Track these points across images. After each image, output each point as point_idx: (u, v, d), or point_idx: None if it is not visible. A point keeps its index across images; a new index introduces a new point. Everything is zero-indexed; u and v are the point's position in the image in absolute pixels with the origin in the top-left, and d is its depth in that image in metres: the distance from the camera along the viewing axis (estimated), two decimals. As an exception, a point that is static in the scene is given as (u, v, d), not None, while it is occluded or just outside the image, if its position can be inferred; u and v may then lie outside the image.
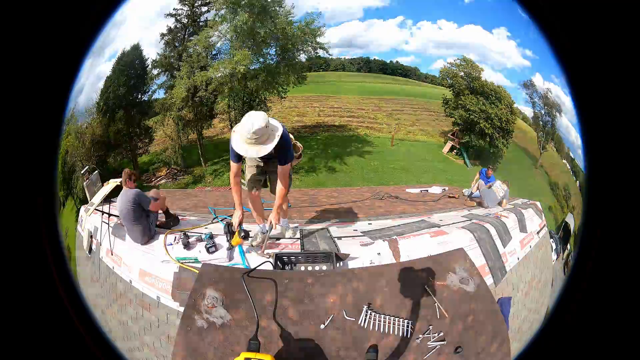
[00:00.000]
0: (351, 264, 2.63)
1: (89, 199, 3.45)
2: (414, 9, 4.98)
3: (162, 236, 2.86)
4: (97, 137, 4.28)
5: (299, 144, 2.98)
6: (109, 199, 3.28)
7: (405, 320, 1.85)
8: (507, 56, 4.35)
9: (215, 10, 4.86)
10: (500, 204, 4.01)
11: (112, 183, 3.30)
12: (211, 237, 2.78)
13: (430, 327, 1.85)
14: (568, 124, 3.83)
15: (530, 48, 3.93)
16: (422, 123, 6.02)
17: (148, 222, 2.97)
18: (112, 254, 3.09)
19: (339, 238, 2.93)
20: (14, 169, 1.31)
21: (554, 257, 3.52)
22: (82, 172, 3.59)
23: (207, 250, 2.70)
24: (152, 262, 2.82)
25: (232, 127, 5.41)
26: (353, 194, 4.46)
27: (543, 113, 4.41)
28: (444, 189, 4.72)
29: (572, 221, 3.53)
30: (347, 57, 5.78)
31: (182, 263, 2.67)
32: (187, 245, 2.76)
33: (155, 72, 4.89)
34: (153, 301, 2.72)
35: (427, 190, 4.73)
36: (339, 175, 5.10)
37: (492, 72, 4.85)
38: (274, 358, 1.44)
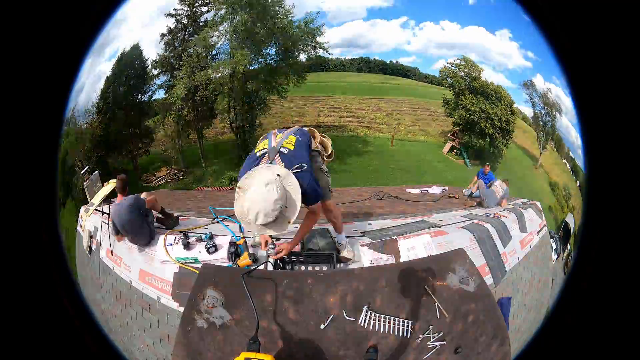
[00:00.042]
0: (351, 264, 2.64)
1: (88, 199, 3.45)
2: (417, 10, 5.01)
3: (162, 236, 2.86)
4: (97, 137, 4.29)
5: (327, 141, 2.56)
6: (108, 199, 3.28)
7: (405, 320, 1.85)
8: (509, 57, 4.37)
9: (215, 10, 4.86)
10: (500, 203, 4.01)
11: (112, 183, 3.30)
12: (211, 237, 2.78)
13: (430, 327, 1.84)
14: (568, 124, 3.83)
15: (532, 50, 3.94)
16: (422, 123, 6.02)
17: (148, 223, 2.97)
18: (112, 254, 3.09)
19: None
20: (14, 169, 1.31)
21: (554, 257, 3.53)
22: (82, 172, 3.59)
23: (207, 250, 2.70)
24: (152, 262, 2.82)
25: (232, 127, 5.46)
26: (353, 194, 4.47)
27: (543, 113, 4.42)
28: (444, 189, 4.72)
29: (572, 221, 3.53)
30: (347, 57, 5.79)
31: (182, 263, 2.67)
32: (187, 246, 2.76)
33: (155, 72, 4.90)
34: (153, 301, 2.72)
35: (427, 191, 4.73)
36: (339, 175, 5.10)
37: (494, 73, 4.87)
38: (274, 358, 1.44)
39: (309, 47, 5.18)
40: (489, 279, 2.81)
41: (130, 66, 4.60)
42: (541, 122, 4.56)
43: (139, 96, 4.94)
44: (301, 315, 1.85)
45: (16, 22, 1.27)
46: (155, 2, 4.86)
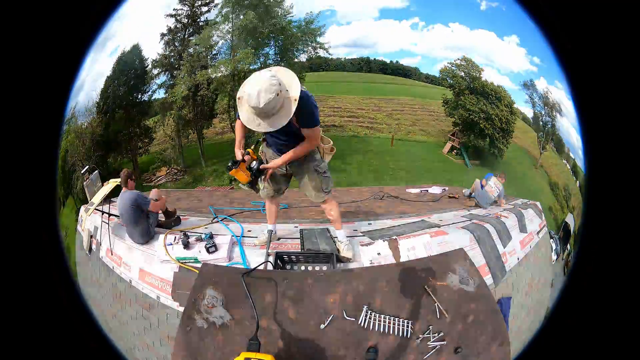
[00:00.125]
0: (351, 264, 2.64)
1: (88, 198, 3.45)
2: (429, 12, 5.02)
3: (162, 236, 2.86)
4: (97, 137, 4.29)
5: (326, 140, 2.54)
6: (109, 199, 3.29)
7: (405, 320, 1.85)
8: (514, 61, 4.38)
9: (219, 9, 4.87)
10: (497, 203, 3.99)
11: (112, 183, 3.31)
12: (211, 237, 2.78)
13: (430, 327, 1.84)
14: (568, 125, 3.84)
15: (538, 55, 3.95)
16: (422, 123, 6.02)
17: (148, 223, 2.97)
18: (112, 254, 3.09)
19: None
20: (14, 169, 1.30)
21: (554, 257, 3.53)
22: (82, 172, 3.59)
23: (207, 250, 2.71)
24: (152, 262, 2.82)
25: (232, 126, 5.46)
26: (353, 194, 4.47)
27: (543, 113, 4.42)
28: (444, 189, 4.72)
29: (572, 221, 3.53)
30: (347, 57, 5.79)
31: (182, 263, 2.67)
32: (187, 245, 2.76)
33: (155, 71, 4.90)
34: (153, 301, 2.72)
35: (427, 190, 4.73)
36: (339, 175, 5.10)
37: (499, 76, 4.88)
38: (274, 358, 1.44)
39: (310, 47, 5.18)
40: (489, 279, 2.81)
41: (130, 66, 4.60)
42: (541, 123, 4.57)
43: (139, 96, 4.94)
44: (301, 315, 1.85)
45: (17, 22, 1.27)
46: (155, 1, 4.87)
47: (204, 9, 5.00)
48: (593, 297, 1.34)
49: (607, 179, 1.36)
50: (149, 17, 4.69)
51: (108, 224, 3.17)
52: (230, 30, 4.81)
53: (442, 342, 1.80)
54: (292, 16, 4.93)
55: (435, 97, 5.76)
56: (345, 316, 1.84)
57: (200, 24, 5.00)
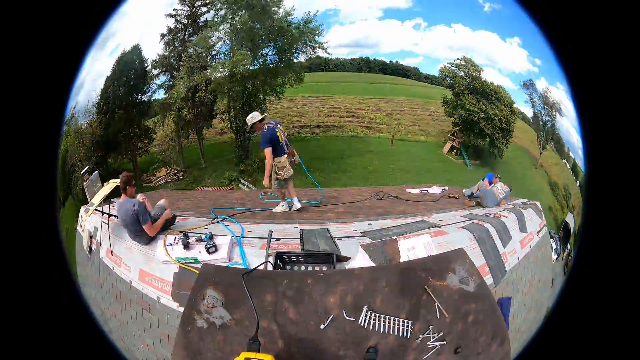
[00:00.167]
0: (351, 264, 2.64)
1: (88, 199, 3.45)
2: (432, 13, 5.03)
3: (162, 236, 2.86)
4: (96, 137, 4.29)
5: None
6: (108, 199, 3.28)
7: (405, 320, 1.85)
8: (516, 62, 4.39)
9: (215, 10, 4.86)
10: (499, 203, 4.01)
11: (112, 183, 3.30)
12: (211, 237, 2.78)
13: (430, 327, 1.84)
14: (568, 124, 3.84)
15: (539, 56, 3.97)
16: (422, 123, 6.02)
17: (149, 238, 2.95)
18: (112, 254, 3.09)
19: (339, 238, 2.93)
20: (14, 169, 1.30)
21: (554, 257, 3.53)
22: (82, 172, 3.59)
23: (207, 250, 2.70)
24: (152, 262, 2.82)
25: (232, 127, 5.47)
26: (353, 194, 4.47)
27: (543, 113, 4.43)
28: (444, 189, 4.72)
29: (572, 221, 3.53)
30: (347, 57, 5.79)
31: (182, 263, 2.67)
32: (187, 246, 2.76)
33: (155, 72, 4.91)
34: (153, 301, 2.72)
35: (427, 190, 4.73)
36: (339, 175, 5.10)
37: (500, 76, 4.89)
38: (274, 358, 1.44)
39: (308, 48, 5.18)
40: (489, 279, 2.81)
41: (130, 66, 4.61)
42: (541, 122, 4.57)
43: (139, 96, 4.94)
44: (301, 315, 1.84)
45: (17, 22, 1.27)
46: (155, 1, 4.87)
47: (204, 9, 5.00)
48: (593, 297, 1.34)
49: (607, 178, 1.36)
50: (149, 17, 4.69)
51: (108, 224, 3.17)
52: (228, 31, 4.81)
53: (442, 342, 1.80)
54: (292, 17, 4.93)
55: (435, 97, 5.76)
56: (345, 316, 1.84)
57: (200, 24, 5.00)
